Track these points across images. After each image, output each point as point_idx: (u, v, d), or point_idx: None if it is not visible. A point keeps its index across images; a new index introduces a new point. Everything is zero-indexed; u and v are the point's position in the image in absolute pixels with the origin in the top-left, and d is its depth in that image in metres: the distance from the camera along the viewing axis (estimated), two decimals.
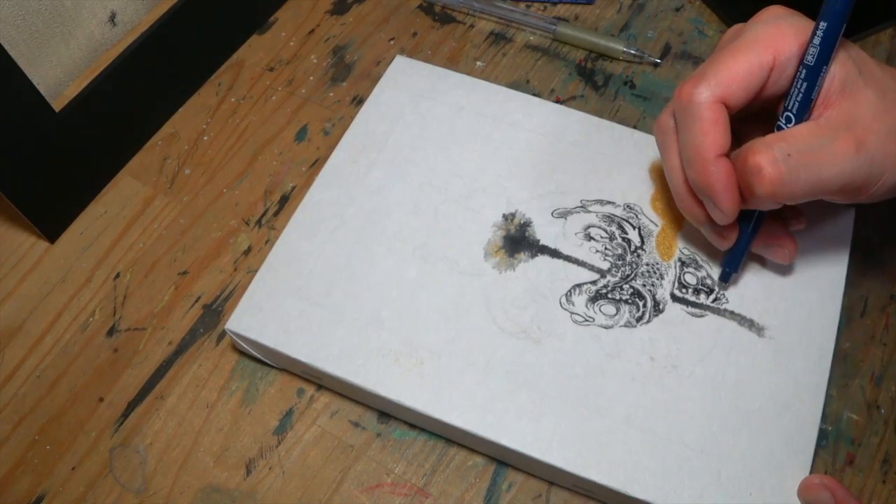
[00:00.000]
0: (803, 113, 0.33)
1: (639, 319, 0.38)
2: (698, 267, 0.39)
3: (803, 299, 0.38)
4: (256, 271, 0.40)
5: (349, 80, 0.51)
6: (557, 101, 0.48)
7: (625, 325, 0.38)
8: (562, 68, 0.51)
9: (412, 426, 0.39)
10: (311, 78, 0.51)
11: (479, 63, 0.51)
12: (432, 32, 0.53)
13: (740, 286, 0.39)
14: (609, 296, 0.39)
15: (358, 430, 0.39)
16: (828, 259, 0.39)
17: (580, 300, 0.39)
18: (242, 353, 0.41)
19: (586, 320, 0.38)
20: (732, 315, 0.38)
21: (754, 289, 0.38)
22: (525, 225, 0.41)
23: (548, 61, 0.51)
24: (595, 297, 0.39)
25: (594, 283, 0.39)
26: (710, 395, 0.36)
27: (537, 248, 0.40)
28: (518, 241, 0.40)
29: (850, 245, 0.40)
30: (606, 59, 0.51)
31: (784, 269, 0.39)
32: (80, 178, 0.46)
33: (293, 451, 0.39)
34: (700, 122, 0.33)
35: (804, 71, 0.32)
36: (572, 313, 0.38)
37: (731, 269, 0.38)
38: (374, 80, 0.47)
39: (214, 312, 0.43)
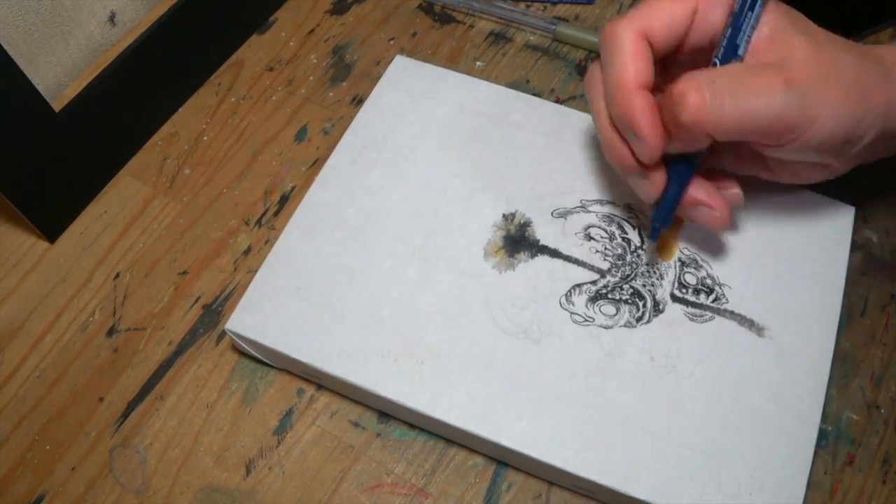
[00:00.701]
0: (730, 58, 0.33)
1: (639, 319, 0.38)
2: (698, 267, 0.39)
3: (803, 299, 0.38)
4: (256, 271, 0.40)
5: (349, 80, 0.51)
6: (557, 101, 0.48)
7: (625, 325, 0.38)
8: (562, 68, 0.51)
9: (412, 426, 0.39)
10: (311, 78, 0.51)
11: (478, 63, 0.51)
12: (432, 32, 0.53)
13: (740, 286, 0.39)
14: (609, 296, 0.39)
15: (358, 430, 0.39)
16: (828, 259, 0.39)
17: (580, 300, 0.39)
18: (242, 353, 0.41)
19: (586, 320, 0.38)
20: (732, 315, 0.38)
21: (754, 289, 0.38)
22: (525, 225, 0.41)
23: (548, 61, 0.51)
24: (595, 297, 0.39)
25: (594, 283, 0.39)
26: (710, 395, 0.36)
27: (537, 248, 0.40)
28: (518, 241, 0.40)
29: (850, 245, 0.40)
30: None
31: (784, 270, 0.39)
32: (80, 178, 0.46)
33: (293, 451, 0.39)
34: (621, 53, 0.33)
35: (731, 17, 0.32)
36: (572, 313, 0.38)
37: (659, 224, 0.36)
38: (374, 80, 0.47)
39: (214, 312, 0.43)
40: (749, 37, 0.32)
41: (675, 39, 0.34)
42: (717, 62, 0.33)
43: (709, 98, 0.31)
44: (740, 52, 0.33)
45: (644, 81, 0.33)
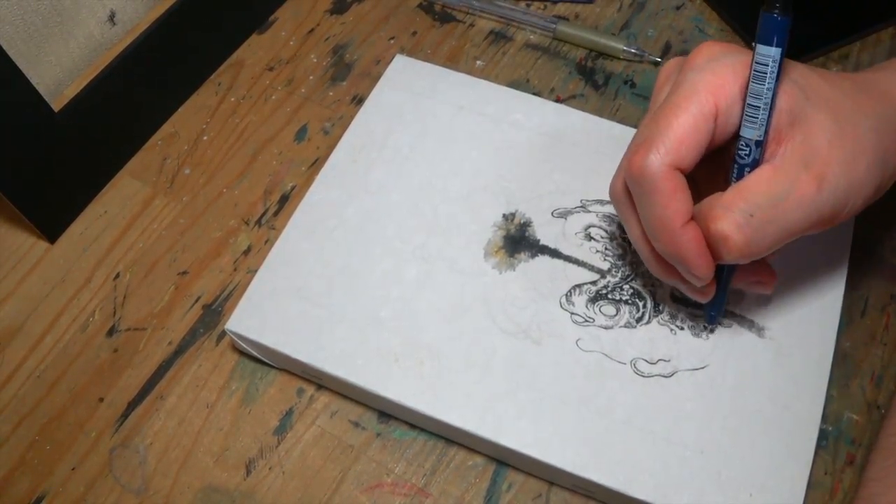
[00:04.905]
0: (754, 161, 0.31)
1: (639, 320, 0.38)
2: None
3: (803, 299, 0.38)
4: (256, 271, 0.40)
5: (349, 79, 0.51)
6: (557, 101, 0.48)
7: (625, 326, 0.38)
8: (562, 67, 0.50)
9: (412, 426, 0.39)
10: (311, 77, 0.51)
11: (479, 62, 0.51)
12: (432, 31, 0.53)
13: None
14: (609, 296, 0.39)
15: (358, 430, 0.39)
16: (828, 259, 0.39)
17: (580, 300, 0.38)
18: (242, 353, 0.41)
19: (586, 321, 0.38)
20: (733, 315, 0.38)
21: None
22: (525, 225, 0.41)
23: (548, 60, 0.51)
24: (595, 298, 0.39)
25: (594, 283, 0.39)
26: (710, 395, 0.36)
27: (537, 248, 0.40)
28: (518, 241, 0.40)
29: (850, 245, 0.40)
30: (607, 57, 0.51)
31: (784, 270, 0.39)
32: (80, 178, 0.46)
33: (293, 451, 0.39)
34: (658, 194, 0.31)
35: (745, 106, 0.31)
36: (572, 314, 0.38)
37: (715, 313, 0.37)
38: (374, 79, 0.47)
39: (214, 312, 0.43)
40: (767, 128, 0.31)
41: (703, 152, 0.32)
42: (740, 163, 0.32)
43: (750, 234, 0.30)
44: (761, 147, 0.31)
45: (686, 216, 0.31)
